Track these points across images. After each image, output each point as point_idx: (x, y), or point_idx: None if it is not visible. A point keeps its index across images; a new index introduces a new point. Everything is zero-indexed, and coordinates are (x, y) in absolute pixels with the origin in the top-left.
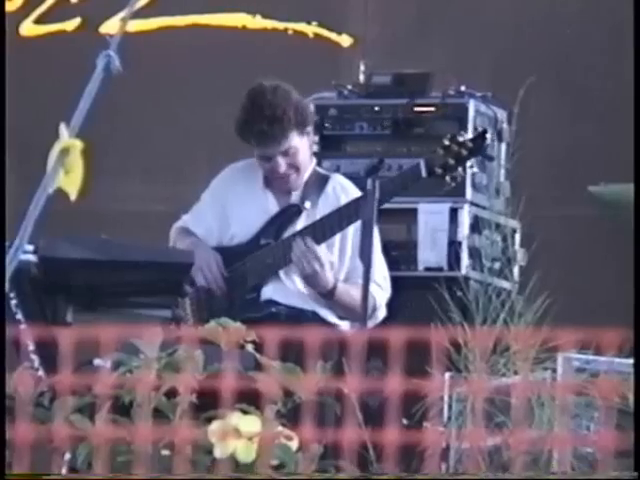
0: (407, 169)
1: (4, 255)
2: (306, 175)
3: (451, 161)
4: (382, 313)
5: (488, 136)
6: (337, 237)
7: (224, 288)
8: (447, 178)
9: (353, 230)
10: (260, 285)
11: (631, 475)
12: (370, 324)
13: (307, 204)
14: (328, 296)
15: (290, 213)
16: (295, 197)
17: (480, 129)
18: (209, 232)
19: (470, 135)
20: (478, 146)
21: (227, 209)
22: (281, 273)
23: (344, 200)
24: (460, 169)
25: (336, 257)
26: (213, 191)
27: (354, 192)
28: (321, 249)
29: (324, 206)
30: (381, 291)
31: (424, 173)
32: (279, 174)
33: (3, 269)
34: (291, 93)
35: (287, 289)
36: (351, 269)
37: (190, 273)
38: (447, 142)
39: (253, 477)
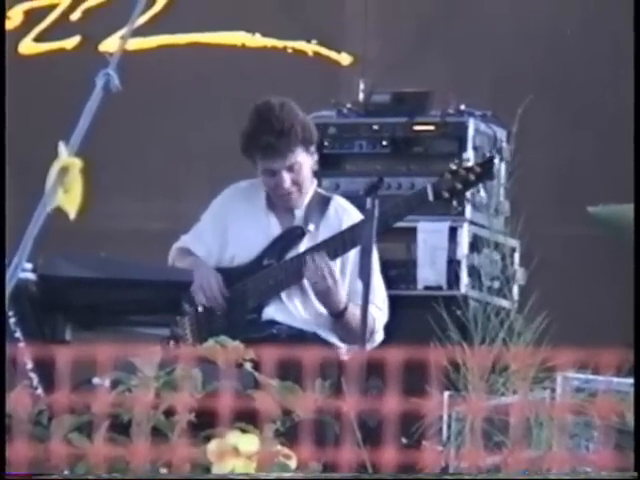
0: (414, 192)
1: (4, 273)
2: (308, 196)
3: (459, 186)
4: (380, 337)
5: (496, 162)
6: (338, 259)
7: (224, 307)
8: (454, 202)
9: (354, 251)
10: (261, 306)
11: (631, 475)
12: (368, 347)
13: (311, 226)
14: (339, 316)
15: (293, 235)
16: (298, 219)
17: (488, 155)
18: (209, 252)
19: (478, 160)
20: (486, 171)
21: (228, 229)
22: (283, 295)
23: (346, 222)
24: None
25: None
26: (214, 211)
27: (355, 214)
28: (335, 266)
29: (326, 228)
30: (380, 314)
31: (431, 197)
32: (283, 190)
33: (3, 287)
34: (298, 110)
35: (288, 310)
36: (352, 291)
37: (190, 292)
38: (454, 167)
39: (247, 477)
